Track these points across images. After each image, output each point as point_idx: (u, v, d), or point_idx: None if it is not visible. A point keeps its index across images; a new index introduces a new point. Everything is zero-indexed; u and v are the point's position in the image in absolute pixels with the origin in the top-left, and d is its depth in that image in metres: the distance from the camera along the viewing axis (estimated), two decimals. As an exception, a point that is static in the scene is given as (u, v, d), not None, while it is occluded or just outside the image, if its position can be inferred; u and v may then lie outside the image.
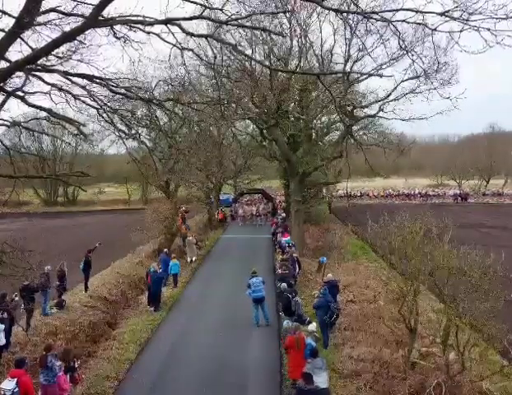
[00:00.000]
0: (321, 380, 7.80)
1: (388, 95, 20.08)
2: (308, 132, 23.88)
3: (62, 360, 8.07)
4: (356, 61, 20.63)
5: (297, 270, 16.28)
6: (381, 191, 53.99)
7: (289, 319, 11.96)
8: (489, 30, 5.14)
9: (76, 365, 8.34)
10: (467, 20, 5.28)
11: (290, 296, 12.01)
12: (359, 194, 52.97)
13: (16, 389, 7.05)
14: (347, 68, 20.01)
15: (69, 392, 7.91)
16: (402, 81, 19.32)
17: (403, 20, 5.58)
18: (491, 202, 48.77)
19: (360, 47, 18.81)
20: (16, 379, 7.12)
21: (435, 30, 5.58)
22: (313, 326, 9.84)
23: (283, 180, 32.89)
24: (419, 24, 5.64)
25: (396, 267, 9.91)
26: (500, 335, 7.99)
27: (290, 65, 21.26)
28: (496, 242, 21.29)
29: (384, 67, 18.68)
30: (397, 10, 5.68)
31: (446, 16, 5.34)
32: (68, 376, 8.05)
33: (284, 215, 30.03)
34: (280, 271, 14.99)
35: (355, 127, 23.30)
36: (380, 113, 21.10)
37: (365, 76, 20.31)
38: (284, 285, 12.57)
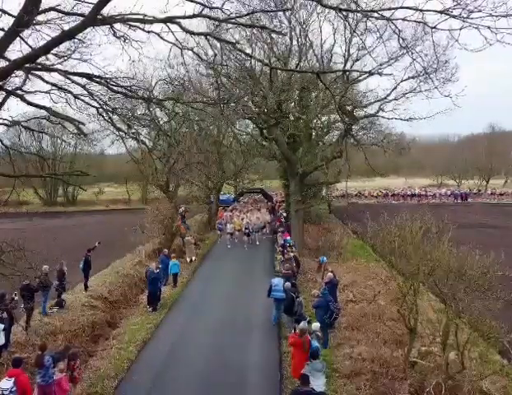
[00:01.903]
0: (318, 383, 7.77)
1: (388, 95, 20.11)
2: (308, 131, 23.87)
3: (63, 359, 8.06)
4: (356, 60, 20.68)
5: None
6: (377, 191, 53.81)
7: (290, 319, 11.94)
8: (489, 27, 5.13)
9: (76, 365, 8.32)
10: (466, 18, 5.27)
11: (294, 296, 11.97)
12: (354, 193, 52.53)
13: (14, 388, 7.03)
14: (347, 68, 20.02)
15: (69, 392, 7.90)
16: (402, 81, 19.36)
17: (403, 19, 5.58)
18: (491, 202, 48.71)
19: (360, 46, 18.84)
20: (13, 379, 7.11)
21: (434, 28, 5.57)
22: (316, 326, 9.83)
23: (283, 180, 32.81)
24: (419, 22, 5.64)
25: (396, 267, 9.90)
26: (500, 334, 7.99)
27: (290, 64, 21.26)
28: (496, 242, 21.27)
29: (383, 66, 18.71)
30: (396, 8, 5.68)
31: (446, 14, 5.34)
32: (68, 375, 8.04)
33: (285, 214, 29.99)
34: (283, 270, 14.95)
35: (355, 127, 23.31)
36: (380, 113, 21.12)
37: (364, 76, 20.34)
38: (288, 284, 12.54)
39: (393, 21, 5.61)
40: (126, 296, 15.67)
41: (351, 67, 20.10)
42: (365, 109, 22.32)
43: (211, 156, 27.01)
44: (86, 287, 15.00)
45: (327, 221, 31.90)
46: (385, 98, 20.35)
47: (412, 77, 18.70)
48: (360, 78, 21.41)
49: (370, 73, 17.09)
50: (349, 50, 20.27)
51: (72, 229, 32.74)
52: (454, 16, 5.26)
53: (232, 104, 15.04)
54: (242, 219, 26.28)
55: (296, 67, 19.93)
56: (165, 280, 16.67)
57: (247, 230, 24.17)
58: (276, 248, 22.49)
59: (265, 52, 20.99)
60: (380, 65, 18.50)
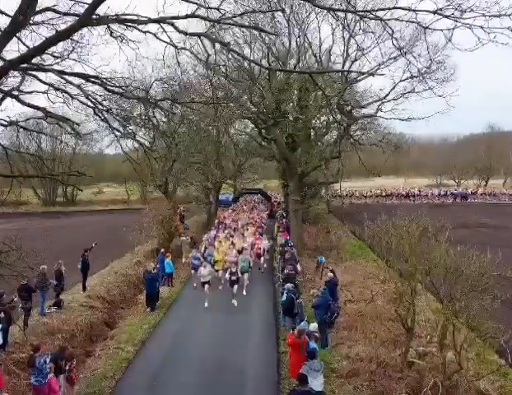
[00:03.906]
0: (316, 383, 7.77)
1: (387, 95, 20.13)
2: (307, 131, 23.87)
3: (60, 360, 8.07)
4: (355, 60, 20.67)
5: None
6: (367, 191, 53.37)
7: (291, 320, 11.88)
8: (481, 27, 5.14)
9: (72, 366, 8.32)
10: (459, 18, 5.29)
11: (295, 297, 11.92)
12: (345, 194, 50.92)
13: None
14: (346, 68, 20.04)
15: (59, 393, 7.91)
16: (401, 81, 19.39)
17: (396, 19, 5.60)
18: (491, 202, 48.68)
19: (359, 46, 18.83)
20: None
21: (427, 28, 5.59)
22: (314, 326, 9.84)
23: (282, 180, 32.77)
24: (411, 22, 5.65)
25: (393, 267, 9.90)
26: (497, 334, 8.00)
27: (289, 64, 21.27)
28: (495, 242, 21.27)
29: (382, 66, 18.74)
30: (389, 8, 5.68)
31: (439, 14, 5.35)
32: (64, 376, 8.04)
33: (285, 214, 29.98)
34: (286, 270, 14.90)
35: (354, 127, 23.32)
36: (379, 113, 21.14)
37: (363, 76, 20.35)
38: (289, 285, 12.51)
39: (387, 22, 5.63)
40: (124, 296, 15.70)
41: (350, 67, 20.14)
42: (364, 110, 22.34)
43: (209, 156, 26.96)
44: (84, 287, 15.01)
45: (326, 221, 31.87)
46: (384, 98, 20.37)
47: (411, 77, 18.73)
48: (359, 78, 21.41)
49: (368, 74, 17.10)
50: (347, 50, 20.32)
51: (71, 229, 32.74)
52: (447, 16, 5.28)
53: (230, 104, 15.08)
54: (231, 244, 17.94)
55: (295, 67, 19.94)
56: (163, 280, 16.66)
57: (234, 277, 14.92)
58: (276, 247, 22.48)
59: (263, 52, 21.01)
60: (379, 65, 18.55)
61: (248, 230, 21.55)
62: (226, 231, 21.08)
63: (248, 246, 18.11)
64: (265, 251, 19.09)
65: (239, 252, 17.15)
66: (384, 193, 52.05)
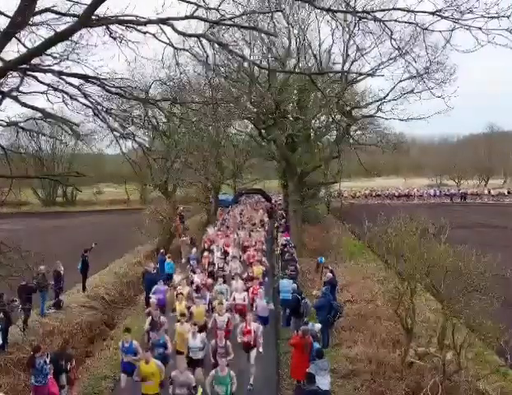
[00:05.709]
0: (323, 382, 7.76)
1: (386, 95, 20.16)
2: (306, 131, 23.87)
3: (63, 359, 8.07)
4: (355, 61, 20.68)
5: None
6: (356, 191, 52.83)
7: (297, 320, 11.83)
8: (480, 28, 5.15)
9: (72, 366, 8.31)
10: (458, 20, 5.29)
11: (300, 297, 11.92)
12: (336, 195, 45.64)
13: None
14: (345, 68, 20.06)
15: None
16: (401, 81, 19.42)
17: (395, 20, 5.60)
18: (491, 202, 48.65)
19: (359, 47, 18.85)
20: None
21: (426, 29, 5.60)
22: (318, 326, 9.83)
23: (282, 180, 32.73)
24: (410, 23, 5.67)
25: (392, 267, 9.91)
26: (497, 334, 8.00)
27: (289, 65, 21.28)
28: (495, 242, 21.27)
29: (381, 67, 18.75)
30: (388, 9, 5.70)
31: (437, 16, 5.36)
32: (64, 377, 8.04)
33: (284, 214, 29.95)
34: (288, 271, 14.89)
35: (353, 127, 23.34)
36: (378, 113, 21.16)
37: (362, 76, 20.38)
38: (294, 286, 12.50)
39: (386, 23, 5.64)
40: (124, 297, 15.69)
41: (350, 67, 20.15)
42: (363, 110, 22.35)
43: (209, 156, 26.90)
44: (84, 287, 15.01)
45: (325, 221, 31.87)
46: (383, 98, 20.39)
47: (410, 78, 18.76)
48: (359, 78, 21.42)
49: (367, 74, 17.13)
50: (347, 51, 20.32)
51: (71, 229, 32.72)
52: (446, 18, 5.28)
53: (230, 105, 15.07)
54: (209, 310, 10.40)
55: (294, 67, 19.95)
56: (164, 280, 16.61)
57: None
58: (276, 247, 22.46)
59: (263, 52, 21.02)
60: (378, 66, 18.56)
61: (237, 275, 12.44)
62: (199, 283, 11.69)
63: (228, 317, 9.41)
64: (259, 333, 9.22)
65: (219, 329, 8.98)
66: (373, 194, 51.49)
